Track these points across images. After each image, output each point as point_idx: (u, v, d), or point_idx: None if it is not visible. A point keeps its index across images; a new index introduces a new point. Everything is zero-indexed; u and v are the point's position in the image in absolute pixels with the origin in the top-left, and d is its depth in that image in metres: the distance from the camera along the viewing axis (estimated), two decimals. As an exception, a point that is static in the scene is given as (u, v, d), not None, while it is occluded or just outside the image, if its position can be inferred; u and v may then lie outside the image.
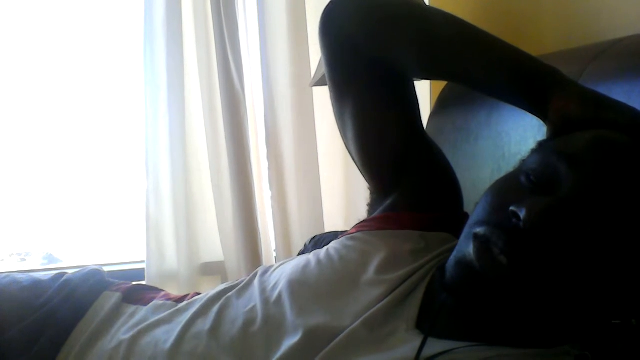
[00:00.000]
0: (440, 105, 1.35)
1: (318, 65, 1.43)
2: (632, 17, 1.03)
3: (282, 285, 0.70)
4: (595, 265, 0.54)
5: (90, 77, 1.68)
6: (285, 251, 1.66)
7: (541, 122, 0.69)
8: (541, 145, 0.65)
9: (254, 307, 0.68)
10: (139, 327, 0.72)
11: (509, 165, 1.08)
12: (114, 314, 0.77)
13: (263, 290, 0.71)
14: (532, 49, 0.73)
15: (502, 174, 0.66)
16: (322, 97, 1.61)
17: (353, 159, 0.86)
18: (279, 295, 0.68)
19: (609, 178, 0.55)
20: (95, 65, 1.67)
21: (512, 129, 1.07)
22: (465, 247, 0.59)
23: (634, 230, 0.54)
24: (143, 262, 1.59)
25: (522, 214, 0.53)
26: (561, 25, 1.22)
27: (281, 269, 0.75)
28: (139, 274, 1.58)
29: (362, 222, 0.81)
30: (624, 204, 0.54)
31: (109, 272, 0.91)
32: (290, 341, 0.62)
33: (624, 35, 0.94)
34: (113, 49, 1.67)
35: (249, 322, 0.67)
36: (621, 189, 0.54)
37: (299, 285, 0.69)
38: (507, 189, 0.61)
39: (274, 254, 1.71)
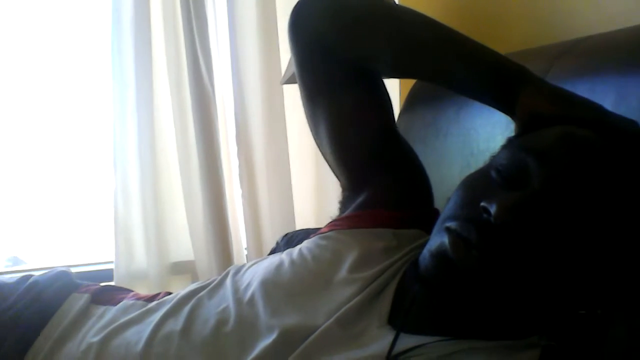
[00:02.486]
0: (410, 103, 1.36)
1: (288, 64, 1.43)
2: (592, 18, 1.07)
3: (255, 285, 0.69)
4: (563, 258, 0.56)
5: (56, 75, 1.64)
6: (256, 249, 1.65)
7: (509, 119, 0.70)
8: (510, 141, 0.66)
9: (227, 307, 0.68)
10: (109, 329, 0.70)
11: (477, 161, 1.09)
12: (83, 316, 0.75)
13: (235, 291, 0.70)
14: (500, 47, 0.74)
15: (471, 170, 0.67)
16: (293, 94, 1.61)
17: (325, 158, 0.86)
18: (252, 296, 0.68)
19: (576, 173, 0.56)
20: (61, 63, 1.64)
21: (481, 126, 1.08)
22: (439, 239, 0.60)
23: (600, 222, 0.55)
24: (111, 262, 1.56)
25: (493, 209, 0.54)
26: (527, 24, 1.25)
27: (254, 269, 0.74)
28: (108, 274, 1.56)
29: (334, 220, 0.81)
30: (591, 198, 0.55)
31: (77, 273, 0.89)
32: (264, 342, 0.62)
33: (585, 34, 0.97)
34: (80, 47, 1.64)
35: (221, 322, 0.66)
36: (588, 183, 0.55)
37: (272, 286, 0.69)
38: (478, 185, 0.62)
39: (245, 252, 1.70)
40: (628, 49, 0.84)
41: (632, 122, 0.62)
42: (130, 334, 0.69)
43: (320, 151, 0.87)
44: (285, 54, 1.58)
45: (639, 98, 0.76)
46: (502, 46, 0.83)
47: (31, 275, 0.84)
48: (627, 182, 0.57)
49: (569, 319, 0.61)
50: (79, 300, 0.78)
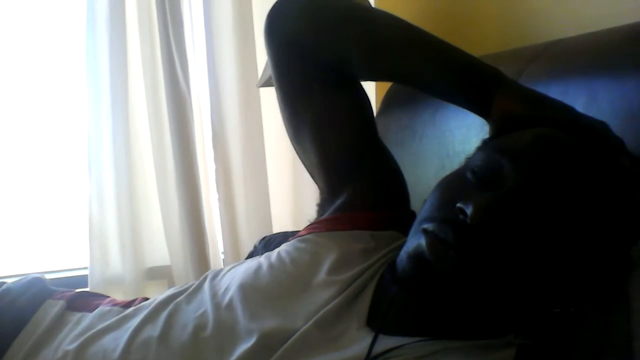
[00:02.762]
0: (386, 105, 1.37)
1: (265, 66, 1.43)
2: (565, 21, 1.08)
3: (233, 289, 0.69)
4: (539, 257, 0.56)
5: (30, 76, 1.61)
6: (233, 253, 1.65)
7: (484, 121, 0.71)
8: (485, 143, 0.67)
9: (205, 312, 0.67)
10: (85, 336, 0.69)
11: (453, 163, 1.11)
12: (58, 323, 0.74)
13: (214, 295, 0.70)
14: (473, 49, 0.75)
15: (447, 171, 0.68)
16: (270, 97, 1.60)
17: (302, 161, 0.86)
18: (231, 300, 0.68)
19: (549, 173, 0.57)
20: (35, 64, 1.60)
21: (456, 128, 1.10)
22: (416, 241, 0.60)
23: (573, 221, 0.56)
24: (86, 268, 1.54)
25: (469, 210, 0.55)
26: (501, 27, 1.26)
27: (232, 273, 0.74)
28: (82, 280, 1.53)
29: (312, 223, 0.81)
30: (564, 198, 0.56)
31: (51, 279, 0.88)
32: (243, 346, 0.62)
33: (558, 37, 0.98)
34: (53, 48, 1.61)
35: (199, 327, 0.66)
36: (561, 184, 0.57)
37: (251, 289, 0.68)
38: (454, 186, 0.63)
39: (222, 257, 1.69)
40: (598, 52, 0.86)
41: (602, 124, 0.64)
42: (107, 340, 0.68)
43: (298, 155, 0.87)
44: (262, 56, 1.58)
45: (608, 100, 0.78)
46: (477, 49, 0.84)
47: (4, 283, 0.82)
48: (599, 182, 0.58)
49: (544, 317, 0.62)
50: (54, 307, 0.77)
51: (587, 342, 0.61)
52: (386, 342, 0.60)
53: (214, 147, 1.62)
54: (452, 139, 1.10)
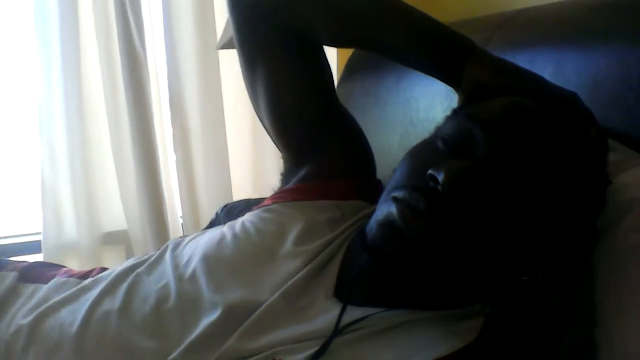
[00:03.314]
0: (349, 71, 1.35)
1: (225, 28, 1.38)
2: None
3: (196, 260, 0.67)
4: (510, 224, 0.56)
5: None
6: (192, 218, 1.62)
7: (449, 88, 0.70)
8: (455, 112, 0.66)
9: (167, 284, 0.65)
10: (40, 309, 0.66)
11: (417, 130, 1.10)
12: (10, 296, 0.71)
13: (176, 266, 0.68)
14: (441, 16, 0.73)
15: (411, 138, 0.67)
16: (229, 59, 1.56)
17: (265, 128, 0.83)
18: (194, 272, 0.66)
19: (520, 141, 0.57)
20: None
21: (421, 95, 1.09)
22: (387, 209, 0.59)
23: (544, 189, 0.56)
24: (39, 233, 1.49)
25: (440, 177, 0.54)
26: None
27: (194, 243, 0.72)
28: (36, 246, 1.49)
29: (277, 193, 0.79)
30: (535, 166, 0.56)
31: (2, 246, 0.84)
32: (208, 318, 0.61)
33: (523, 6, 0.98)
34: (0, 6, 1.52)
35: (161, 299, 0.64)
36: (532, 152, 0.57)
37: (214, 261, 0.67)
38: (424, 154, 0.62)
39: (181, 221, 1.66)
40: (565, 21, 0.85)
41: (572, 94, 0.64)
42: (65, 314, 0.65)
43: (260, 121, 0.84)
44: (220, 16, 1.53)
45: (574, 70, 0.79)
46: (443, 15, 0.83)
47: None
48: (568, 151, 0.58)
49: (512, 285, 0.63)
50: (5, 279, 0.73)
51: (552, 310, 0.63)
52: (354, 313, 0.60)
53: (171, 109, 1.58)
54: (416, 106, 1.10)
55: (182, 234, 1.62)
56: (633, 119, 0.71)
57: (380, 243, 0.59)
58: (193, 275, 0.66)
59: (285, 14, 0.75)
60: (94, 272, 0.75)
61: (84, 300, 0.67)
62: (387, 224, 0.58)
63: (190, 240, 0.74)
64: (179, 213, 1.66)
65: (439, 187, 0.55)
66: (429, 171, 0.56)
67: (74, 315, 0.65)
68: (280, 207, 0.73)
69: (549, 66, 0.80)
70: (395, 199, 0.58)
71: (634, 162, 0.67)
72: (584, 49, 0.79)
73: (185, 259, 0.69)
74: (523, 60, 0.83)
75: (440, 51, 0.67)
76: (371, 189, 0.76)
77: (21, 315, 0.67)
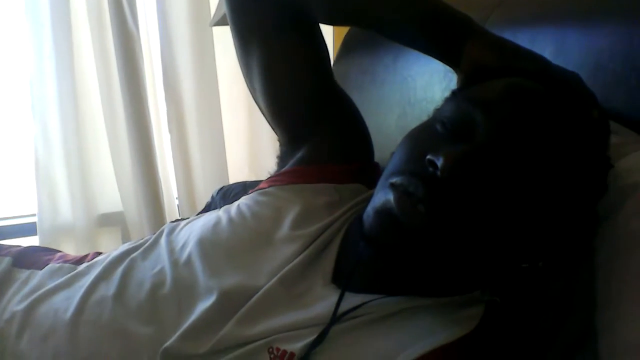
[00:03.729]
0: (346, 49, 1.33)
1: (219, 4, 1.35)
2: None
3: (191, 245, 0.66)
4: (510, 210, 0.55)
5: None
6: (188, 199, 1.61)
7: (447, 67, 0.68)
8: (454, 94, 0.65)
9: (162, 269, 0.64)
10: (34, 296, 0.65)
11: (414, 110, 1.09)
12: (4, 282, 0.70)
13: (171, 251, 0.67)
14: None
15: (409, 119, 0.66)
16: (224, 37, 1.54)
17: (261, 110, 0.82)
18: (189, 256, 0.65)
19: (521, 124, 0.55)
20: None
21: (418, 74, 1.07)
22: (384, 196, 0.58)
23: (545, 173, 0.55)
24: (34, 215, 1.48)
25: (439, 162, 0.53)
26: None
27: (189, 227, 0.71)
28: (31, 228, 1.48)
29: (273, 176, 0.78)
30: (536, 149, 0.55)
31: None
32: (204, 304, 0.60)
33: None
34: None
35: (157, 285, 0.63)
36: (533, 135, 0.55)
37: (210, 245, 0.66)
38: (423, 138, 0.61)
39: (177, 202, 1.65)
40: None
41: (574, 75, 0.62)
42: (59, 300, 0.64)
43: (256, 102, 0.83)
44: (215, -7, 1.51)
45: (576, 49, 0.77)
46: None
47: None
48: (570, 133, 0.57)
49: (512, 272, 0.62)
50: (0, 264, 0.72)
51: (553, 297, 0.62)
52: (352, 300, 0.59)
53: (165, 88, 1.57)
54: (414, 85, 1.08)
55: (178, 216, 1.61)
56: (635, 100, 0.69)
57: (378, 232, 0.58)
58: (188, 260, 0.65)
59: None
60: (89, 257, 0.74)
61: (79, 286, 0.66)
62: (385, 212, 0.57)
63: (186, 224, 0.73)
64: (175, 194, 1.65)
65: (438, 173, 0.53)
66: (428, 156, 0.54)
67: (68, 301, 0.64)
68: (276, 190, 0.72)
69: (550, 45, 0.78)
70: (392, 186, 0.57)
71: (636, 146, 0.65)
72: (586, 27, 0.77)
73: (180, 243, 0.68)
74: (523, 39, 0.82)
75: (438, 30, 0.66)
76: (369, 173, 0.75)
77: (15, 301, 0.66)
